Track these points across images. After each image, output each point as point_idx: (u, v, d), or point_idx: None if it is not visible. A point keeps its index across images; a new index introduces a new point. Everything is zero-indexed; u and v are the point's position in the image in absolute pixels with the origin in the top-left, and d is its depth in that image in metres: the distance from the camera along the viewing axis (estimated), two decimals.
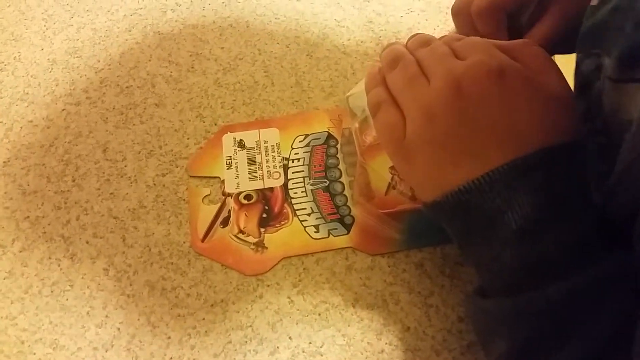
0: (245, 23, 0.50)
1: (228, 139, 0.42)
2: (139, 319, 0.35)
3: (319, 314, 0.35)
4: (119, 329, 0.35)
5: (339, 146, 0.42)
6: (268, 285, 0.36)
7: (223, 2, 0.52)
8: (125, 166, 0.42)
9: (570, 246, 0.25)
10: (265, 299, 0.36)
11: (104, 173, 0.42)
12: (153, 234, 0.39)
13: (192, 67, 0.48)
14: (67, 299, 0.37)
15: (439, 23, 0.49)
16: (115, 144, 0.44)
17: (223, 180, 0.40)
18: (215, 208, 0.39)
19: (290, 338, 0.34)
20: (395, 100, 0.29)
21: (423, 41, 0.31)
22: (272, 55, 0.48)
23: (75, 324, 0.36)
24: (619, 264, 0.25)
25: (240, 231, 0.38)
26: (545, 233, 0.25)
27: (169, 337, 0.35)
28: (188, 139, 0.43)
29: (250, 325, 0.35)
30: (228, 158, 0.41)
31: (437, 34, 0.48)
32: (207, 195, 0.40)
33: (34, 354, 0.34)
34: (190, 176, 0.41)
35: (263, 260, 0.36)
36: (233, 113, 0.45)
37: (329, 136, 0.42)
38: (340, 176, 0.40)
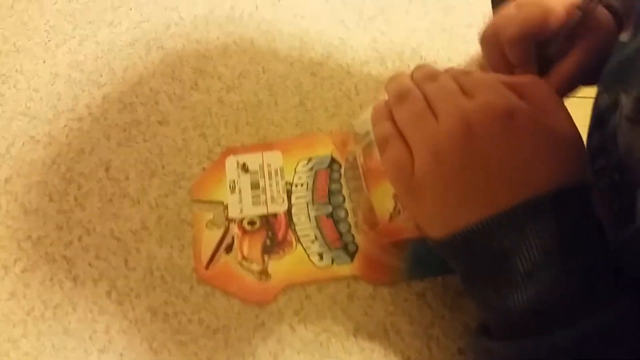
0: (250, 39, 0.50)
1: (231, 162, 0.42)
2: (141, 345, 0.36)
3: (321, 343, 0.36)
4: (121, 354, 0.36)
5: (342, 171, 0.42)
6: (270, 313, 0.37)
7: (227, 18, 0.52)
8: (128, 186, 0.43)
9: (578, 291, 0.25)
10: (267, 326, 0.36)
11: (106, 192, 0.42)
12: (155, 257, 0.39)
13: (196, 84, 0.48)
14: (69, 322, 0.37)
15: (443, 44, 0.50)
16: (117, 162, 0.44)
17: (226, 205, 0.40)
18: (219, 233, 0.39)
19: None
20: (403, 136, 0.30)
21: (430, 75, 0.31)
22: (276, 74, 0.48)
23: (78, 347, 0.36)
24: (627, 309, 0.25)
25: (244, 258, 0.38)
26: (554, 277, 0.25)
27: None
28: (191, 159, 0.44)
29: (252, 354, 0.35)
30: (231, 182, 0.41)
31: (441, 54, 0.49)
32: (210, 220, 0.40)
33: None
34: (194, 200, 0.41)
35: (267, 289, 0.37)
36: (236, 133, 0.45)
37: (333, 160, 0.42)
38: (344, 202, 0.40)
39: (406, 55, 0.49)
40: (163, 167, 0.43)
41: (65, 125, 0.46)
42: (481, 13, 0.52)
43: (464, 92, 0.29)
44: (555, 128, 0.27)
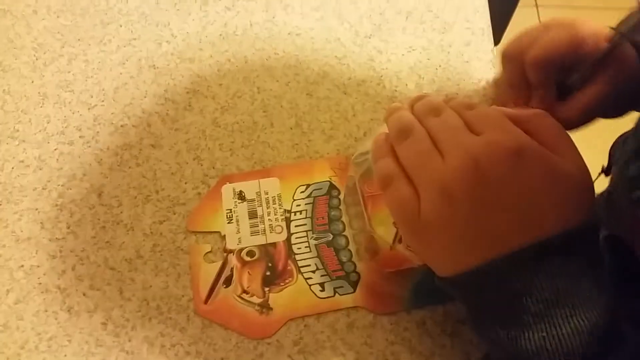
0: (244, 58, 0.51)
1: (227, 191, 0.43)
2: None
3: None
4: None
5: (341, 196, 0.43)
6: (268, 344, 0.38)
7: (220, 35, 0.52)
8: (121, 212, 0.43)
9: (587, 332, 0.26)
10: (265, 358, 0.37)
11: (99, 220, 0.43)
12: (151, 286, 0.40)
13: (189, 105, 0.48)
14: (65, 355, 0.38)
15: (441, 62, 0.51)
16: (110, 187, 0.44)
17: (224, 236, 0.41)
18: (217, 266, 0.40)
19: None
20: (407, 174, 0.29)
21: (431, 108, 0.31)
22: (272, 94, 0.49)
23: None
24: (636, 349, 0.26)
25: (244, 291, 0.39)
26: (564, 319, 0.26)
27: None
28: (185, 183, 0.44)
29: None
30: (228, 211, 0.42)
31: (439, 73, 0.49)
32: (208, 252, 0.40)
33: None
34: (190, 231, 0.42)
35: (269, 323, 0.38)
36: (231, 156, 0.45)
37: (331, 186, 0.43)
38: (344, 229, 0.41)
39: (403, 74, 0.50)
40: (157, 192, 0.44)
41: (55, 149, 0.46)
42: (479, 30, 0.53)
43: (469, 127, 0.29)
44: (564, 166, 0.28)
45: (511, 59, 0.40)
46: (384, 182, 0.30)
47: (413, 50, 0.51)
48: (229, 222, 0.41)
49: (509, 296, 0.27)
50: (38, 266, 0.41)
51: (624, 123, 0.43)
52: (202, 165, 0.45)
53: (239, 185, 0.43)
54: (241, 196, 0.42)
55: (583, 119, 0.39)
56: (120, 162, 0.45)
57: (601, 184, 0.42)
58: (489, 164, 0.27)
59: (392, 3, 0.54)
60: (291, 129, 0.47)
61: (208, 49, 0.52)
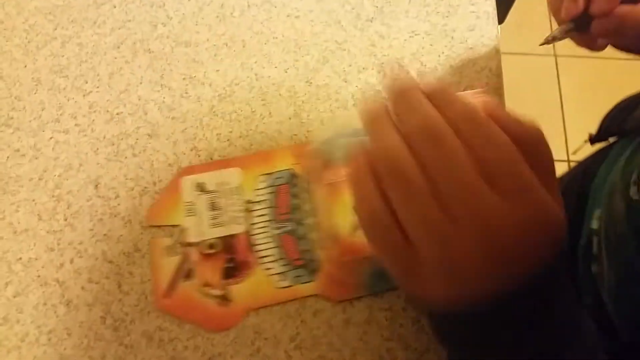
0: (242, 42, 0.51)
1: (186, 183, 0.43)
2: None
3: None
4: None
5: (303, 185, 0.43)
6: (265, 339, 0.39)
7: (217, 17, 0.52)
8: (119, 204, 0.44)
9: None
10: (262, 353, 0.39)
11: (96, 212, 0.44)
12: (149, 280, 0.41)
13: (186, 93, 0.48)
14: (65, 349, 0.39)
15: (444, 49, 0.50)
16: (107, 178, 0.45)
17: (184, 229, 0.42)
18: (177, 260, 0.41)
19: None
20: (402, 224, 0.26)
21: (430, 136, 0.25)
22: (270, 81, 0.49)
23: None
24: None
25: (205, 284, 0.40)
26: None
27: None
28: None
29: None
30: (188, 204, 0.42)
31: (442, 60, 0.49)
32: (168, 246, 0.41)
33: None
34: (150, 226, 0.43)
35: (228, 315, 0.39)
36: (229, 147, 0.46)
37: (293, 174, 0.44)
38: (306, 217, 0.42)
39: (405, 61, 0.50)
40: (154, 183, 0.45)
41: (51, 138, 0.47)
42: (484, 13, 0.52)
43: (481, 169, 0.24)
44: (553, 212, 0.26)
45: None
46: (370, 227, 0.27)
47: (416, 35, 0.51)
48: (188, 215, 0.42)
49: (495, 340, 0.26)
50: (36, 259, 0.42)
51: None
52: (199, 156, 0.46)
53: (199, 177, 0.43)
54: (201, 188, 0.43)
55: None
56: (116, 152, 0.46)
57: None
58: (509, 239, 0.24)
59: None
60: (290, 118, 0.47)
61: (204, 32, 0.52)
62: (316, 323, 0.40)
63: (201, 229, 0.42)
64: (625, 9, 0.38)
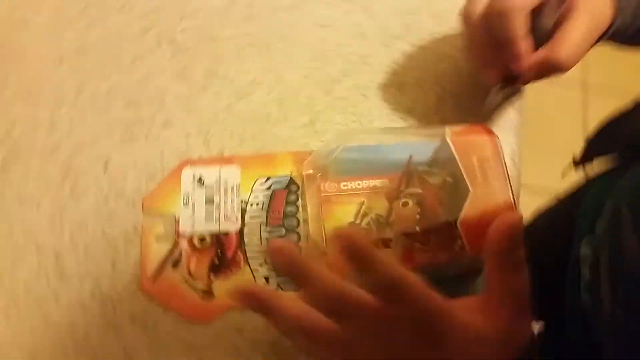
0: (266, 44, 0.53)
1: (187, 174, 0.45)
2: (117, 348, 0.40)
3: None
4: (95, 353, 0.40)
5: (299, 193, 0.45)
6: (246, 339, 0.41)
7: (244, 16, 0.55)
8: (125, 186, 0.46)
9: None
10: (241, 352, 0.40)
11: (102, 190, 0.46)
12: None
13: (205, 87, 0.51)
14: (50, 315, 0.41)
15: (469, 77, 0.52)
16: (117, 160, 0.47)
17: (178, 219, 0.44)
18: (167, 247, 0.42)
19: None
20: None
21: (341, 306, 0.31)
22: (289, 86, 0.51)
23: (56, 340, 0.40)
24: None
25: (190, 275, 0.41)
26: None
27: None
28: None
29: None
30: (186, 194, 0.44)
31: (465, 90, 0.51)
32: (160, 233, 0.43)
33: None
34: (145, 212, 0.45)
35: (208, 309, 0.41)
36: (240, 145, 0.48)
37: (291, 181, 0.45)
38: (298, 225, 0.43)
39: (427, 83, 0.52)
40: (163, 171, 0.47)
41: (67, 114, 0.49)
42: None
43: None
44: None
45: (471, 18, 0.41)
46: None
47: (441, 59, 0.53)
48: (184, 206, 0.44)
49: None
50: (37, 226, 0.44)
51: None
52: (210, 150, 0.48)
53: (200, 170, 0.45)
54: (200, 181, 0.45)
55: (579, 55, 0.40)
56: (130, 136, 0.48)
57: None
58: None
59: (427, 3, 0.55)
60: (304, 126, 0.49)
61: (230, 29, 0.54)
62: None
63: (195, 221, 0.43)
64: (543, 55, 0.40)
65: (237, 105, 0.50)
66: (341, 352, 0.31)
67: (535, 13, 0.41)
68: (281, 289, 0.41)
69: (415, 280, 0.30)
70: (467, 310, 0.31)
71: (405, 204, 0.41)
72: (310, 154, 0.45)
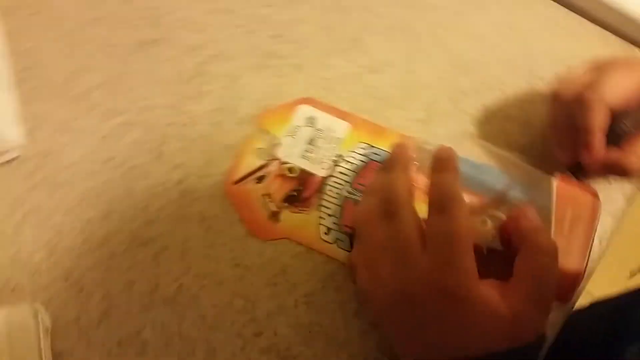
0: (416, 35, 0.56)
1: (304, 110, 0.50)
2: (176, 242, 0.44)
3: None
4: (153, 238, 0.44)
5: None
6: (286, 280, 0.44)
7: (408, 2, 0.58)
8: (241, 105, 0.51)
9: None
10: (277, 288, 0.43)
11: (222, 99, 0.51)
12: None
13: (344, 50, 0.55)
14: (133, 188, 0.46)
15: None
16: (245, 80, 0.52)
17: (279, 144, 0.48)
18: (259, 163, 0.47)
19: None
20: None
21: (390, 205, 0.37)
22: (419, 80, 0.54)
23: (126, 211, 0.45)
24: None
25: (268, 195, 0.46)
26: None
27: None
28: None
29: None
30: (295, 127, 0.49)
31: None
32: (259, 148, 0.48)
33: None
34: (254, 125, 0.49)
35: (268, 229, 0.45)
36: (372, 106, 0.51)
37: None
38: None
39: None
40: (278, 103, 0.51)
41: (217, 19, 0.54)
42: None
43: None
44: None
45: (563, 100, 0.43)
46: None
47: None
48: (290, 136, 0.48)
49: None
50: (160, 103, 0.50)
51: None
52: (339, 103, 0.51)
53: (316, 112, 0.50)
54: (311, 121, 0.49)
55: None
56: (263, 65, 0.53)
57: None
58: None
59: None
60: (419, 120, 0.51)
61: (389, 7, 0.57)
62: (332, 294, 0.43)
63: (292, 152, 0.48)
64: (614, 156, 0.41)
65: (365, 76, 0.53)
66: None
67: (618, 115, 0.42)
68: (337, 245, 0.44)
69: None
70: (487, 284, 0.34)
71: (483, 223, 0.42)
72: (414, 140, 0.47)
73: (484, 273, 0.39)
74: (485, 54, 0.56)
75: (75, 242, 0.44)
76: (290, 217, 0.45)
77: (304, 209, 0.45)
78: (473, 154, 0.47)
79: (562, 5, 0.59)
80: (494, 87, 0.54)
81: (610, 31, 0.58)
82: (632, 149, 0.42)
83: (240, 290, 0.43)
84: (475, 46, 0.56)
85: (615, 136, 0.42)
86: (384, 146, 0.48)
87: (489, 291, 0.33)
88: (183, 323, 0.41)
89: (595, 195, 0.44)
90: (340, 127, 0.49)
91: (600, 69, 0.43)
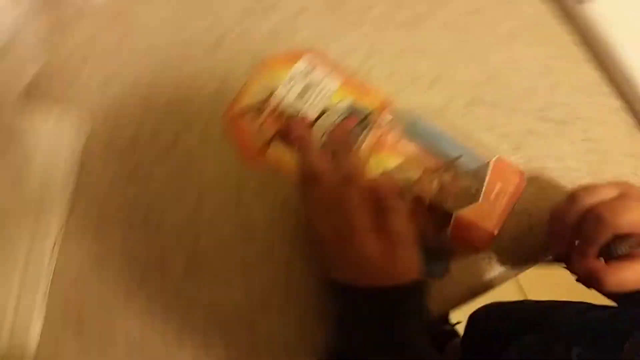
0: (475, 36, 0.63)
1: (302, 63, 0.58)
2: (171, 168, 0.55)
3: None
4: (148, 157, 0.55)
5: (368, 128, 0.55)
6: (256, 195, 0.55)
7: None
8: (255, 48, 0.60)
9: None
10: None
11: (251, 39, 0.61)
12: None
13: (402, 25, 0.62)
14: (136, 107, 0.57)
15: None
16: (262, 28, 0.62)
17: (280, 85, 0.56)
18: (261, 97, 0.56)
19: None
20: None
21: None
22: (454, 78, 0.60)
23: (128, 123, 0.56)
24: None
25: (263, 126, 0.55)
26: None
27: None
28: None
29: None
30: (292, 76, 0.57)
31: None
32: (262, 85, 0.56)
33: None
34: (261, 64, 0.58)
35: (257, 156, 0.55)
36: (384, 78, 0.59)
37: (368, 115, 0.56)
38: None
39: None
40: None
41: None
42: None
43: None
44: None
45: (578, 203, 0.46)
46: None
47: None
48: (287, 82, 0.57)
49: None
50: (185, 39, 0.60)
51: None
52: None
53: (312, 68, 0.58)
54: (306, 74, 0.57)
55: (622, 289, 0.44)
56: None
57: None
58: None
59: None
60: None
61: None
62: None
63: (288, 95, 0.56)
64: (598, 268, 0.44)
65: (407, 54, 0.61)
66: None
67: (618, 236, 0.44)
68: None
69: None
70: (372, 235, 0.44)
71: (431, 181, 0.54)
72: (396, 104, 0.57)
73: (426, 221, 0.51)
74: (525, 76, 0.61)
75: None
76: (277, 150, 0.55)
77: (290, 146, 0.55)
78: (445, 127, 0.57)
79: None
80: (509, 108, 0.60)
81: None
82: (615, 267, 0.44)
83: None
84: (519, 72, 0.61)
85: (606, 250, 0.45)
86: (366, 104, 0.57)
87: (369, 239, 0.43)
88: None
89: (522, 177, 0.55)
90: (332, 83, 0.57)
91: (625, 194, 0.45)
